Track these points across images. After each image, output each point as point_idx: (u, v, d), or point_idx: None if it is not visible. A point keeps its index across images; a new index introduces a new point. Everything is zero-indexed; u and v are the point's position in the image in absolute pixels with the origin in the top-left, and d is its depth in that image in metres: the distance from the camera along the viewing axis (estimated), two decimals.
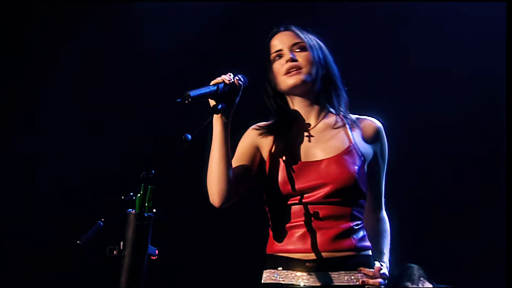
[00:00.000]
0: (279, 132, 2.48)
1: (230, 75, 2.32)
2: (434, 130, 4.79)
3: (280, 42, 2.47)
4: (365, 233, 2.42)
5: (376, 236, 2.48)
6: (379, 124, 2.51)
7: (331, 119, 2.47)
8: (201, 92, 2.21)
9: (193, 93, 2.17)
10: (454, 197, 4.77)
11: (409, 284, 4.68)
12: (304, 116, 2.48)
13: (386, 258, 2.44)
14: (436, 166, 4.81)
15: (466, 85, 4.52)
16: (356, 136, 2.44)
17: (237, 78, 2.32)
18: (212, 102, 2.29)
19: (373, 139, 2.47)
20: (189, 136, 2.01)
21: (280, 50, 2.45)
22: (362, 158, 2.41)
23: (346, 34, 4.61)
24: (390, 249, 2.49)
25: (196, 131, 2.04)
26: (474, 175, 4.67)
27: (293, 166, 2.39)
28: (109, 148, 4.74)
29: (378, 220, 2.51)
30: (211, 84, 2.28)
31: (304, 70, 2.42)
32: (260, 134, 2.49)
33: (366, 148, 2.44)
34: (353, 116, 2.50)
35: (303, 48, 2.45)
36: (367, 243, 2.41)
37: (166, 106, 4.53)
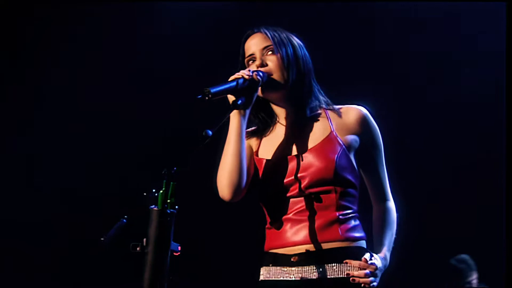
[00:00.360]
0: (262, 134, 2.51)
1: (248, 71, 2.33)
2: (433, 130, 4.79)
3: (252, 45, 2.45)
4: (357, 223, 2.39)
5: (379, 227, 2.45)
6: (362, 110, 2.45)
7: (311, 112, 2.46)
8: (221, 88, 2.22)
9: (214, 89, 2.18)
10: (453, 197, 4.77)
11: (474, 273, 4.73)
12: (284, 113, 2.49)
13: (385, 249, 2.41)
14: (436, 166, 4.81)
15: (466, 84, 4.52)
16: (336, 125, 2.41)
17: (256, 73, 2.33)
18: (231, 98, 2.30)
19: (356, 126, 2.42)
20: (210, 132, 2.02)
21: (252, 54, 2.45)
22: (344, 147, 2.38)
23: (346, 32, 4.63)
24: (395, 240, 2.46)
25: (216, 127, 2.05)
26: (473, 175, 4.67)
27: (273, 163, 2.41)
28: (109, 147, 4.74)
29: (382, 211, 2.47)
30: (230, 79, 2.29)
31: (274, 76, 2.42)
32: (248, 138, 2.51)
33: (348, 136, 2.40)
34: (336, 106, 2.48)
35: (272, 51, 2.43)
36: (358, 234, 2.37)
37: (167, 105, 4.57)
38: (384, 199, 2.49)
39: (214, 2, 4.75)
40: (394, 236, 2.46)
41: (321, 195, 2.35)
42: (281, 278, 2.36)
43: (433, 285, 4.71)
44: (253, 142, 2.52)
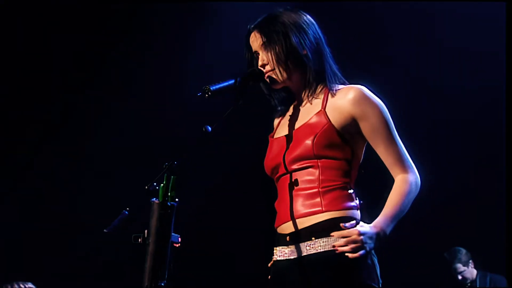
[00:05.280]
0: (283, 115, 2.59)
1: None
2: (433, 130, 4.81)
3: (253, 43, 2.52)
4: (344, 193, 2.37)
5: (388, 199, 2.42)
6: (359, 89, 2.42)
7: (313, 93, 2.50)
8: (220, 85, 2.30)
9: (213, 87, 2.27)
10: (453, 197, 4.79)
11: (460, 266, 4.77)
12: (294, 96, 2.55)
13: (381, 217, 2.36)
14: (435, 166, 4.82)
15: (466, 85, 4.53)
16: (329, 104, 2.43)
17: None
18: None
19: (349, 105, 2.40)
20: (210, 128, 2.09)
21: (256, 51, 2.52)
22: (331, 124, 2.39)
23: (347, 34, 4.63)
24: (399, 209, 2.34)
25: (216, 123, 2.11)
26: (473, 175, 4.68)
27: (272, 144, 2.51)
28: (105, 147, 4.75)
29: (394, 184, 2.42)
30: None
31: (275, 70, 2.47)
32: (273, 121, 2.62)
33: (339, 115, 2.40)
34: (337, 87, 2.49)
35: (268, 48, 2.48)
36: (343, 203, 2.36)
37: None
38: (397, 172, 2.45)
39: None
40: (400, 206, 2.38)
41: (303, 171, 2.39)
42: (282, 258, 2.40)
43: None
44: (275, 124, 2.61)
